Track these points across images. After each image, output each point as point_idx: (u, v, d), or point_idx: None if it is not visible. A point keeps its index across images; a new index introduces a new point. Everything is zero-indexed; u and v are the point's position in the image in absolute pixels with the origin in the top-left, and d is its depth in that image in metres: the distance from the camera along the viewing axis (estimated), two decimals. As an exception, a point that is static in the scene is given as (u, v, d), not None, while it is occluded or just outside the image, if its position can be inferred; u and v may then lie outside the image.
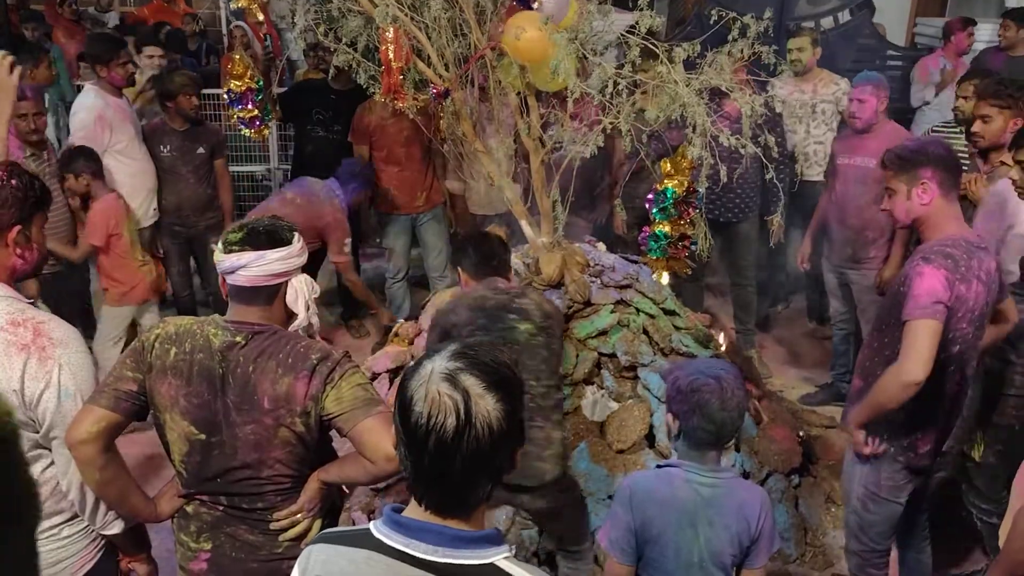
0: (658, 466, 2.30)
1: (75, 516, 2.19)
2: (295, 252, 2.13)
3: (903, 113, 6.35)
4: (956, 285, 2.63)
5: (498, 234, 3.17)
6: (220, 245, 2.11)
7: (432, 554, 1.32)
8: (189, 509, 2.19)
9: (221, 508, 2.15)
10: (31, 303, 2.15)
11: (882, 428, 2.90)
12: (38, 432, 2.08)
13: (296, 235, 2.16)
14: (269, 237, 2.10)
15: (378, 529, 1.38)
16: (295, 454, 2.10)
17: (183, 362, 2.05)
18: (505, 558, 1.35)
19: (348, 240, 4.80)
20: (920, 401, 2.70)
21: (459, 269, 3.08)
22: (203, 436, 2.07)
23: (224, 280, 2.14)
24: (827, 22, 7.00)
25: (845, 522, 3.19)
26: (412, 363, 1.44)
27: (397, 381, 3.66)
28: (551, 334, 2.87)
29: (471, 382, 1.28)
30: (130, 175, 4.77)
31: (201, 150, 5.01)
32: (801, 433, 4.10)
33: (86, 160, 4.32)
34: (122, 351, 3.30)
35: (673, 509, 2.15)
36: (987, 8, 8.63)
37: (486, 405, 1.28)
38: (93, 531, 2.24)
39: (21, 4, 8.03)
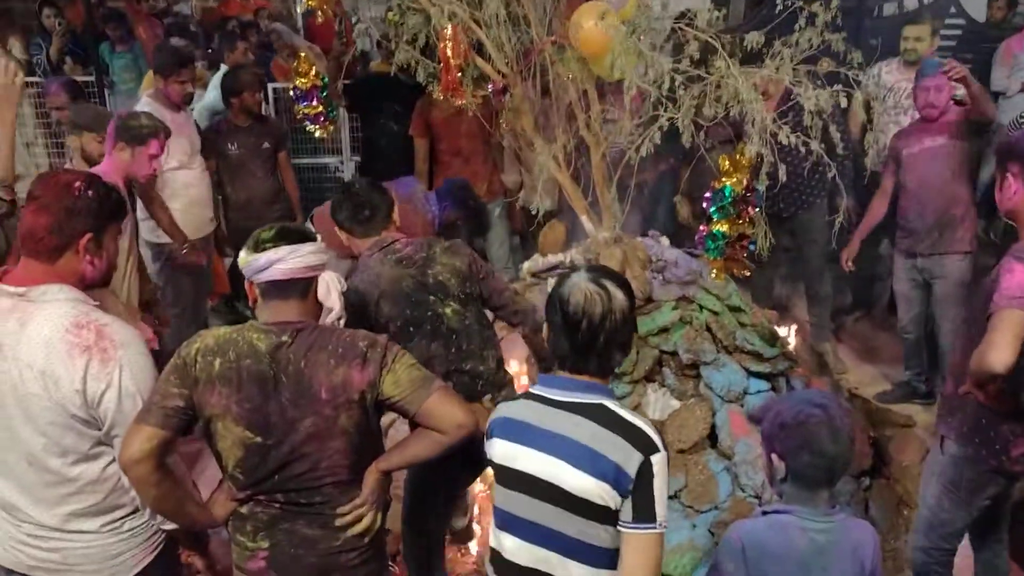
0: (764, 512, 2.10)
1: (136, 510, 2.26)
2: (323, 248, 2.24)
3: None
4: None
5: (370, 179, 3.02)
6: (248, 247, 2.16)
7: (562, 395, 1.96)
8: (244, 510, 2.23)
9: (278, 505, 2.19)
10: (96, 305, 2.23)
11: (973, 427, 2.83)
12: (100, 430, 2.16)
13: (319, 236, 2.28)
14: (300, 233, 2.21)
15: (534, 387, 2.05)
16: (353, 443, 2.16)
17: (230, 370, 2.10)
18: (613, 403, 1.94)
19: None
20: (1013, 401, 2.66)
21: (336, 228, 2.93)
22: (259, 439, 2.12)
23: (252, 284, 2.19)
24: (911, 2, 6.71)
25: (917, 517, 3.13)
26: (556, 279, 2.04)
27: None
28: (473, 296, 2.88)
29: (608, 283, 1.93)
30: (184, 186, 4.75)
31: (266, 144, 5.08)
32: (872, 434, 3.97)
33: None
34: None
35: (790, 562, 2.00)
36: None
37: (620, 298, 1.92)
38: (154, 525, 2.32)
39: (101, 2, 8.29)
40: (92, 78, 6.69)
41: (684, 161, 4.63)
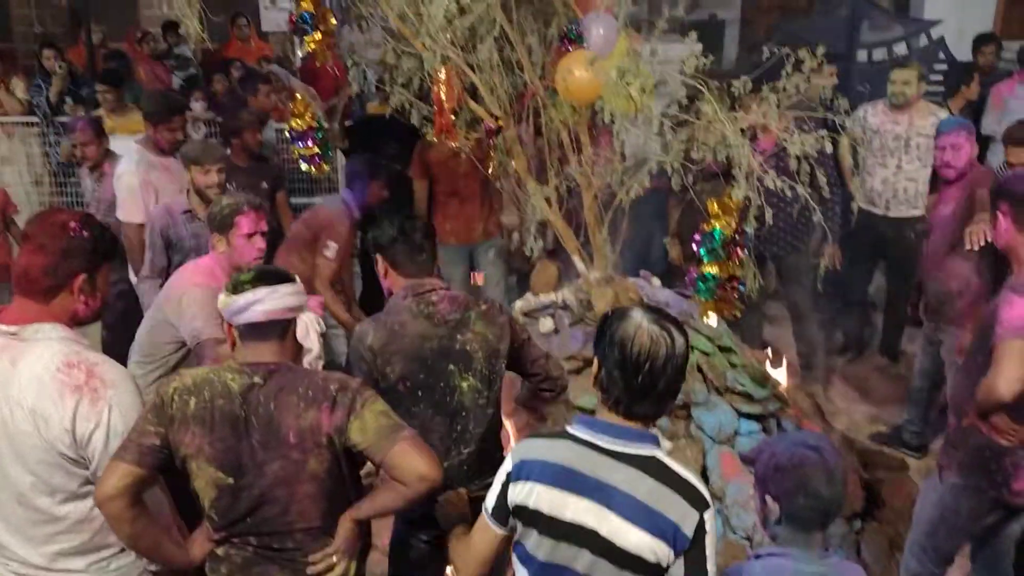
0: (758, 555, 2.08)
1: (123, 550, 2.26)
2: (301, 289, 2.25)
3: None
4: None
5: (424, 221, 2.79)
6: (227, 289, 2.18)
7: (613, 444, 1.87)
8: (220, 552, 2.23)
9: (251, 548, 2.19)
10: (87, 345, 2.25)
11: (975, 459, 2.90)
12: (88, 469, 2.17)
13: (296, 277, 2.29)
14: (278, 274, 2.23)
15: (573, 428, 1.94)
16: (324, 489, 2.15)
17: (204, 410, 2.11)
18: (664, 455, 1.89)
19: (332, 244, 4.54)
20: (1014, 432, 2.78)
21: (378, 256, 2.71)
22: (231, 480, 2.13)
23: (230, 327, 2.21)
24: (900, 48, 6.84)
25: (908, 542, 3.20)
26: (615, 317, 1.93)
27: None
28: (498, 374, 2.65)
29: (671, 326, 1.88)
30: None
31: (265, 185, 5.07)
32: (865, 476, 3.97)
33: None
34: None
35: None
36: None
37: (681, 343, 1.87)
38: (140, 566, 2.31)
39: (102, 43, 8.40)
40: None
41: (674, 202, 4.70)
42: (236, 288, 2.16)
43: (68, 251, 2.17)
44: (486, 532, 2.05)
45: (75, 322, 2.27)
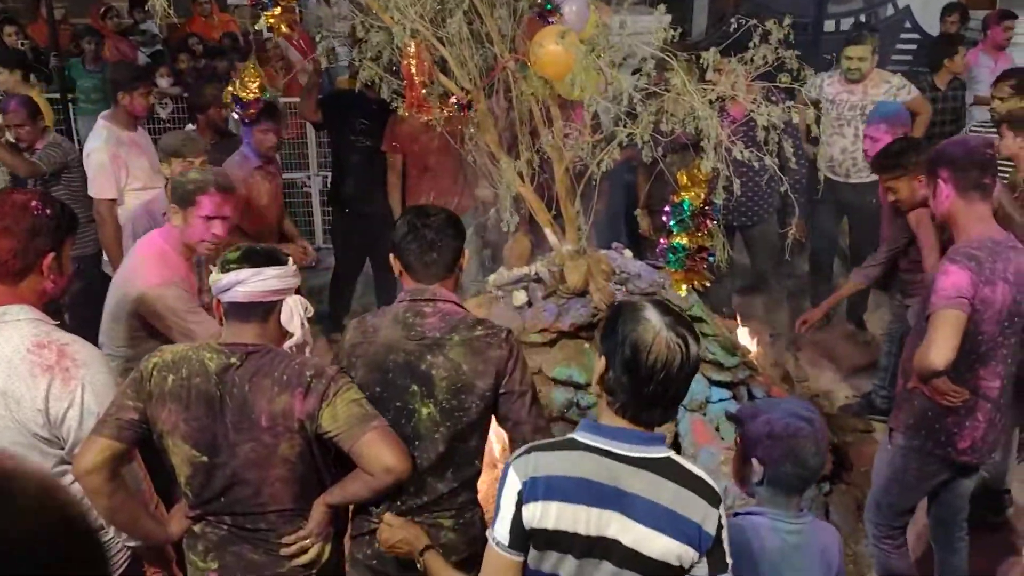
0: (736, 514, 2.12)
1: (102, 527, 2.27)
2: (291, 272, 2.23)
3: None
4: (980, 288, 2.72)
5: (453, 215, 2.44)
6: (218, 266, 2.18)
7: (628, 450, 1.78)
8: (196, 529, 2.24)
9: (225, 527, 2.21)
10: (56, 325, 2.24)
11: (919, 420, 2.99)
12: (63, 449, 2.17)
13: (291, 259, 2.26)
14: (267, 256, 2.20)
15: (581, 435, 1.83)
16: (296, 473, 2.15)
17: (181, 388, 2.11)
18: (675, 455, 1.82)
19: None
20: (955, 394, 2.86)
21: (392, 255, 2.41)
22: (205, 458, 2.13)
23: (219, 303, 2.21)
24: (868, 18, 6.88)
25: (869, 495, 3.35)
26: (631, 316, 1.81)
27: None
28: (464, 411, 2.25)
29: (686, 333, 1.78)
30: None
31: None
32: (834, 440, 4.05)
33: None
34: None
35: (764, 561, 2.04)
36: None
37: (695, 352, 1.78)
38: (119, 543, 2.32)
39: (64, 19, 8.25)
40: (57, 95, 6.67)
41: (643, 174, 4.73)
42: (223, 266, 2.17)
43: (34, 231, 2.16)
44: (506, 569, 1.84)
45: (44, 301, 2.26)
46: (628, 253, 4.13)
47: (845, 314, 5.92)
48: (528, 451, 1.85)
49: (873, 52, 5.21)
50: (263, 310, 2.19)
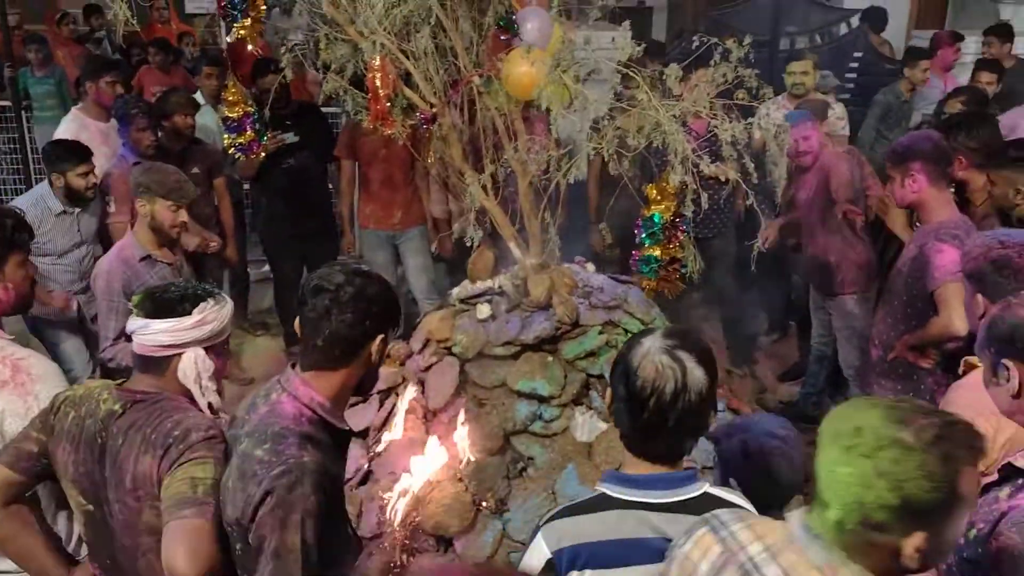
0: None
1: None
2: (188, 325, 1.95)
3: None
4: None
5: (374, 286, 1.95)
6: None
7: (664, 497, 1.67)
8: None
9: None
10: (11, 340, 2.19)
11: (906, 383, 3.29)
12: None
13: (199, 308, 1.97)
14: (162, 305, 1.96)
15: (612, 490, 1.71)
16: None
17: (76, 427, 1.95)
18: (709, 485, 1.72)
19: (112, 199, 4.42)
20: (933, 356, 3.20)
21: None
22: (91, 507, 1.96)
23: None
24: (823, 38, 7.04)
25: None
26: (628, 342, 1.75)
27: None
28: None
29: (685, 356, 1.65)
30: None
31: (196, 170, 4.88)
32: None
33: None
34: None
35: None
36: (986, 21, 8.63)
37: (697, 376, 1.64)
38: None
39: (19, 25, 8.08)
40: (9, 103, 6.54)
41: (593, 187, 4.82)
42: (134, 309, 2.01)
43: None
44: None
45: None
46: (591, 267, 4.15)
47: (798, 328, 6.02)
48: (559, 515, 1.74)
49: (815, 67, 5.39)
50: (155, 363, 1.98)
